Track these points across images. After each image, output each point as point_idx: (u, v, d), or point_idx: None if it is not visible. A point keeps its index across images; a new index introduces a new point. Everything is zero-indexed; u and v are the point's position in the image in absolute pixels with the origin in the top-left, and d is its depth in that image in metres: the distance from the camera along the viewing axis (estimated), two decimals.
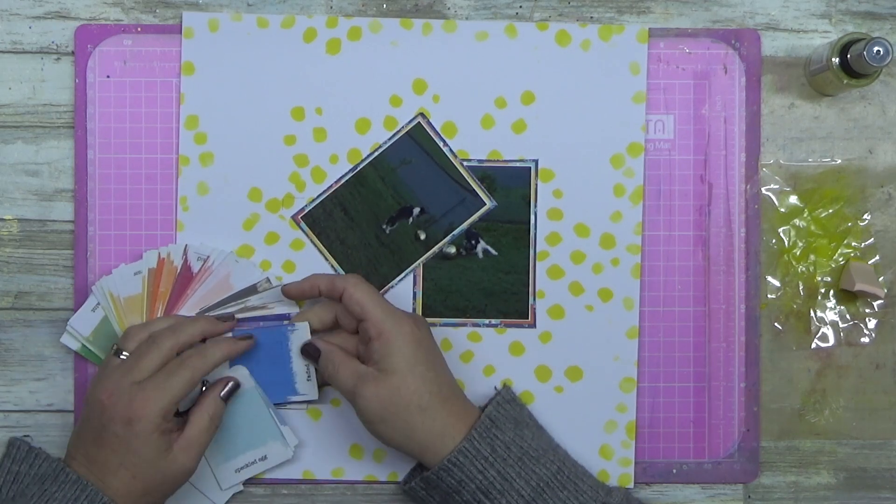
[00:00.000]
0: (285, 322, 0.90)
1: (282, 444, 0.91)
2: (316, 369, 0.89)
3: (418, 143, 0.92)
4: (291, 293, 0.89)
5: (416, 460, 0.86)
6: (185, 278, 0.91)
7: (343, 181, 0.92)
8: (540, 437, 0.86)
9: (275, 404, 0.91)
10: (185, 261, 0.91)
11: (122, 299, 0.91)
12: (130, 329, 0.87)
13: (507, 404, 0.87)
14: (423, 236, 0.93)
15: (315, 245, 0.92)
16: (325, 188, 0.92)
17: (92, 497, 0.79)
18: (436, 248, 0.93)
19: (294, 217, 0.92)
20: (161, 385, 0.81)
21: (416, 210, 0.92)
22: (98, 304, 0.91)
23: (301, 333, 0.89)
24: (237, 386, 0.88)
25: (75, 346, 0.91)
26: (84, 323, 0.91)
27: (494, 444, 0.82)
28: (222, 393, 0.86)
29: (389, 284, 0.93)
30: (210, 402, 0.85)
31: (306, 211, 0.92)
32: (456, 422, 0.83)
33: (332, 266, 0.92)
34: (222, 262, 0.91)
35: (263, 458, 0.91)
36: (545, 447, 0.85)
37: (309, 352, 0.88)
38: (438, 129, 0.93)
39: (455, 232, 0.93)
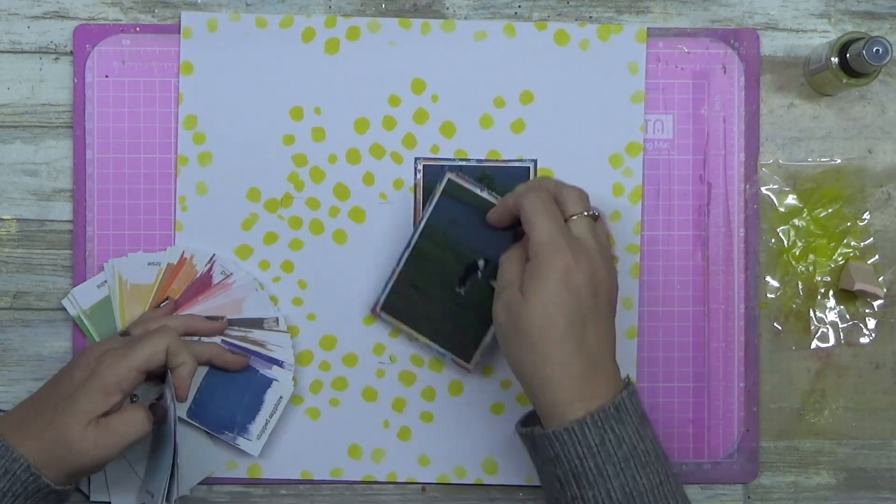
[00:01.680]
0: (272, 373, 0.91)
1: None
2: None
3: (456, 199, 0.91)
4: (492, 219, 0.87)
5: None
6: (203, 285, 0.91)
7: (402, 261, 0.91)
8: (656, 441, 0.78)
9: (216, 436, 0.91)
10: (210, 268, 0.91)
11: (129, 284, 0.91)
12: (144, 315, 0.90)
13: (636, 396, 0.79)
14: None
15: (405, 331, 0.92)
16: (388, 275, 0.91)
17: (3, 453, 0.78)
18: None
19: (373, 311, 0.91)
20: (125, 350, 0.81)
21: (481, 262, 0.91)
22: (105, 281, 0.91)
23: (281, 388, 0.90)
24: (162, 418, 0.84)
25: (73, 312, 0.91)
26: (87, 295, 0.91)
27: (606, 436, 0.75)
28: (153, 417, 0.83)
29: (483, 341, 0.91)
30: (149, 411, 0.83)
31: (382, 301, 0.91)
32: (577, 386, 0.77)
33: (427, 344, 0.91)
34: (242, 285, 0.91)
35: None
36: (657, 455, 0.77)
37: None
38: (437, 130, 0.93)
39: None
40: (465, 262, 0.90)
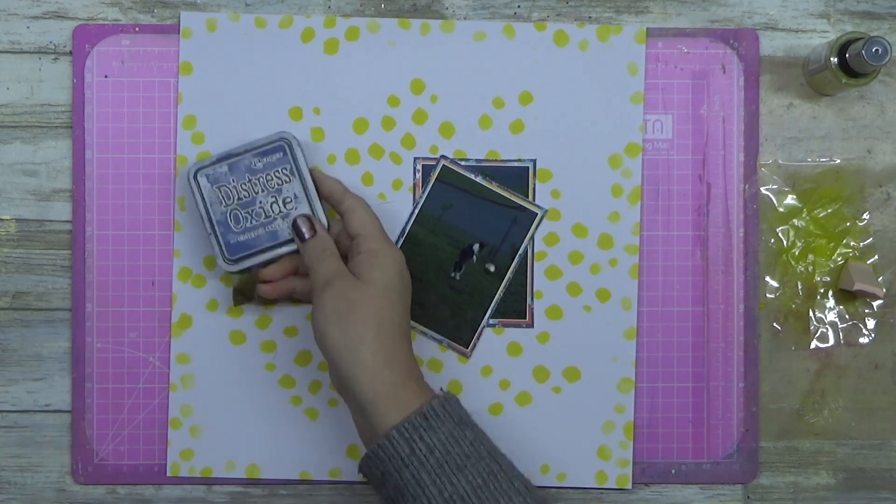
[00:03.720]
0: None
1: None
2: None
3: (450, 184, 0.92)
4: (318, 181, 0.89)
5: (350, 404, 0.81)
6: None
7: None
8: (477, 442, 0.78)
9: None
10: None
11: None
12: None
13: (449, 403, 0.79)
14: (492, 268, 0.92)
15: None
16: None
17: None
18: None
19: None
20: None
21: (476, 246, 0.92)
22: None
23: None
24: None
25: None
26: None
27: (415, 446, 0.76)
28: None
29: (481, 325, 0.93)
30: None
31: None
32: (394, 391, 0.78)
33: (423, 332, 0.93)
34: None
35: None
36: (478, 456, 0.77)
37: (300, 227, 0.87)
38: (436, 130, 0.93)
39: (520, 251, 0.93)
40: (460, 247, 0.90)
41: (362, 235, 0.84)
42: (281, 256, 0.88)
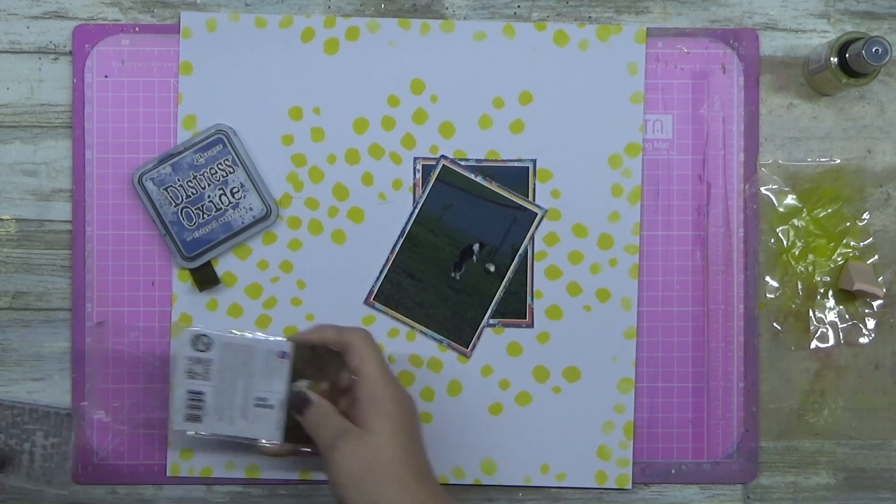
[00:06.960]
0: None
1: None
2: (293, 417, 0.83)
3: (450, 184, 0.92)
4: (301, 342, 0.85)
5: None
6: None
7: (396, 250, 0.92)
8: None
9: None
10: None
11: None
12: None
13: None
14: (492, 268, 0.93)
15: (396, 318, 0.92)
16: (382, 262, 0.92)
17: None
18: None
19: (366, 301, 0.92)
20: None
21: (476, 246, 0.92)
22: None
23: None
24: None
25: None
26: None
27: None
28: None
29: (481, 325, 0.93)
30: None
31: (376, 291, 0.92)
32: None
33: (423, 332, 0.93)
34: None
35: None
36: None
37: (297, 402, 0.82)
38: (436, 130, 0.93)
39: (521, 251, 0.93)
40: (460, 247, 0.91)
41: (363, 377, 0.80)
42: (238, 245, 0.91)
